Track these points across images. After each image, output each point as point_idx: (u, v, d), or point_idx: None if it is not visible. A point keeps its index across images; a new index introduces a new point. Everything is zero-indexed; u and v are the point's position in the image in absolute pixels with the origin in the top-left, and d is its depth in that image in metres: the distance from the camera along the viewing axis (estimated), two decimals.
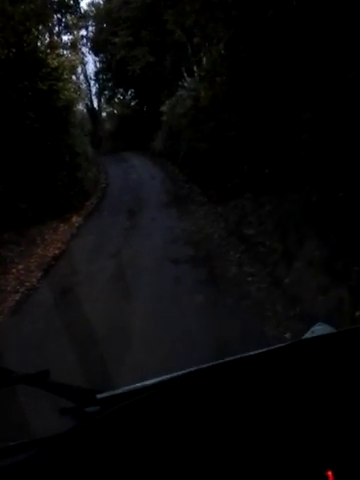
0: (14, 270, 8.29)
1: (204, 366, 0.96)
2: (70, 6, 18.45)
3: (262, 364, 1.00)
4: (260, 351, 1.01)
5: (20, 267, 8.39)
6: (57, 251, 9.24)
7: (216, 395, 0.94)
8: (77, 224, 11.20)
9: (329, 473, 0.82)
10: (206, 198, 10.82)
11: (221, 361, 0.99)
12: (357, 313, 3.83)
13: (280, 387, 0.95)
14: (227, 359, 0.99)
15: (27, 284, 7.53)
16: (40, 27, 13.16)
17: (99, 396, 0.96)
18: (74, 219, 11.56)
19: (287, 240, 5.65)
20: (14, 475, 0.83)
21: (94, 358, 4.50)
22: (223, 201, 9.49)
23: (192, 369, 0.96)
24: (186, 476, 0.84)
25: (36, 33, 13.16)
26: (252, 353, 1.01)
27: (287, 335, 4.44)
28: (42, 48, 14.02)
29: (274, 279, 5.51)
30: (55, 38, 22.43)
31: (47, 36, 19.12)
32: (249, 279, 5.95)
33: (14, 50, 11.53)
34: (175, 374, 0.97)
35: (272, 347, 1.02)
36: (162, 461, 0.85)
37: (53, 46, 14.88)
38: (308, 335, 1.22)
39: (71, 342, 4.99)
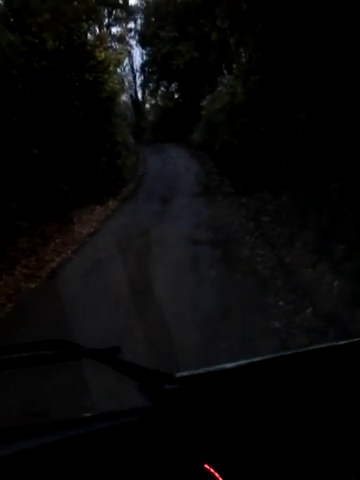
0: (52, 243, 9.18)
1: (282, 353, 0.98)
2: (119, 5, 19.35)
3: (335, 357, 0.99)
4: (334, 343, 1.02)
5: (57, 241, 9.28)
6: (92, 229, 10.11)
7: (291, 383, 0.94)
8: (113, 207, 12.07)
9: None
10: (234, 189, 11.49)
11: (302, 349, 0.99)
12: (335, 283, 4.49)
13: (350, 382, 0.94)
14: (305, 348, 1.01)
15: (63, 255, 8.42)
16: (90, 22, 14.00)
17: (178, 375, 0.96)
18: (110, 203, 12.42)
19: (293, 226, 6.32)
20: (101, 443, 0.83)
21: (122, 315, 5.30)
22: (248, 192, 10.15)
23: (272, 355, 0.97)
24: (257, 451, 0.85)
25: (86, 27, 14.06)
26: (336, 343, 1.02)
27: (281, 303, 5.15)
28: (91, 41, 14.95)
29: (279, 259, 6.20)
30: (104, 29, 23.43)
31: (96, 27, 20.11)
32: (259, 259, 6.64)
33: (64, 43, 12.44)
34: (254, 359, 0.97)
35: (344, 341, 1.02)
36: (236, 435, 0.87)
37: (101, 39, 15.72)
38: None
39: (97, 303, 5.83)
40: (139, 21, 29.63)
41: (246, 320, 4.97)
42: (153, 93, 32.94)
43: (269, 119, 10.00)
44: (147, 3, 27.47)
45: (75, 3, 12.16)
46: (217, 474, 0.82)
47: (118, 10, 22.42)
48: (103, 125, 13.69)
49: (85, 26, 13.86)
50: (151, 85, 32.42)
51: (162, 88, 31.99)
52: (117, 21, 26.31)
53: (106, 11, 23.01)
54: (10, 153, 8.79)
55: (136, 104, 32.66)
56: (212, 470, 0.83)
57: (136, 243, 8.33)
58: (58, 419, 1.00)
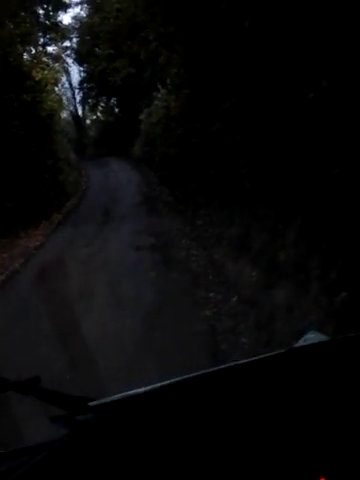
0: None
1: (195, 374, 0.97)
2: (51, 28, 19.87)
3: (253, 372, 1.00)
4: (251, 359, 1.02)
5: (4, 255, 9.64)
6: (38, 243, 10.52)
7: (207, 403, 0.95)
8: (57, 221, 12.51)
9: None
10: (172, 197, 12.18)
11: (213, 369, 0.99)
12: (253, 273, 5.19)
13: (271, 395, 0.95)
14: (219, 367, 1.00)
15: (10, 268, 8.80)
16: (25, 45, 14.39)
17: (91, 404, 0.95)
18: (54, 216, 12.84)
19: (221, 226, 7.03)
20: None
21: (66, 317, 5.78)
22: (185, 199, 10.85)
23: (184, 377, 0.96)
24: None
25: (21, 50, 14.45)
26: (243, 361, 1.01)
27: (211, 295, 5.81)
28: (27, 61, 15.32)
29: (210, 257, 6.89)
30: (40, 48, 23.75)
31: (32, 47, 20.40)
32: (193, 259, 7.31)
33: (1, 65, 12.79)
34: (166, 382, 0.97)
35: (263, 355, 1.03)
36: (154, 468, 0.85)
37: (37, 60, 16.10)
38: (301, 343, 1.24)
39: (44, 306, 6.30)
40: (75, 39, 30.15)
41: (181, 311, 5.60)
42: (93, 109, 33.38)
43: (200, 130, 10.74)
44: (81, 23, 28.01)
45: (10, 26, 12.56)
46: None
47: (52, 33, 22.80)
48: (44, 143, 14.04)
49: (20, 48, 14.24)
50: (90, 101, 32.84)
51: (101, 103, 32.49)
52: (52, 40, 26.62)
53: (41, 32, 23.29)
54: None
55: (77, 120, 33.00)
56: None
57: (80, 252, 8.83)
58: None
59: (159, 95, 16.84)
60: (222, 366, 1.00)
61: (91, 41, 26.92)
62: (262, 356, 1.02)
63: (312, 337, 1.25)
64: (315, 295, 3.89)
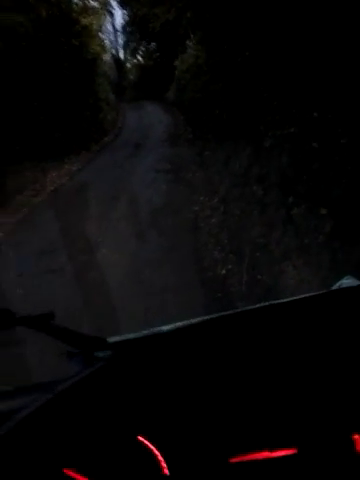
0: (49, 176, 12.04)
1: (227, 313, 0.94)
2: None
3: (288, 312, 0.99)
4: (284, 300, 1.01)
5: (54, 174, 12.14)
6: (80, 166, 12.98)
7: (236, 342, 0.92)
8: (95, 150, 14.91)
9: (356, 436, 0.80)
10: (193, 135, 14.33)
11: (244, 308, 0.96)
12: (227, 180, 7.48)
13: (307, 337, 0.93)
14: (252, 306, 0.97)
15: (58, 182, 11.32)
16: None
17: (110, 340, 0.93)
18: (93, 147, 15.24)
19: (218, 154, 9.28)
20: (25, 419, 0.78)
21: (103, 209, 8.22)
22: (203, 136, 13.00)
23: (207, 317, 0.95)
24: (196, 419, 0.82)
25: None
26: (275, 302, 1.00)
27: (201, 198, 8.13)
28: (76, 9, 17.29)
29: (206, 175, 9.19)
30: None
31: None
32: (196, 177, 9.61)
33: (55, 13, 14.84)
34: (189, 321, 0.94)
35: (299, 297, 1.01)
36: (172, 403, 0.84)
37: (84, 7, 18.04)
38: (336, 287, 1.25)
39: (84, 206, 8.74)
40: None
41: (178, 207, 7.97)
42: (134, 53, 34.99)
43: (224, 77, 12.72)
44: None
45: None
46: (152, 446, 0.80)
47: None
48: (87, 83, 16.21)
49: None
50: (131, 45, 34.43)
51: (142, 48, 34.04)
52: None
53: None
54: (17, 105, 11.52)
55: (118, 63, 34.68)
56: (146, 442, 0.80)
57: (112, 173, 11.23)
58: None
59: (190, 44, 18.63)
60: (256, 305, 0.97)
61: None
62: (298, 297, 1.02)
63: (348, 282, 1.25)
64: (252, 184, 6.13)
